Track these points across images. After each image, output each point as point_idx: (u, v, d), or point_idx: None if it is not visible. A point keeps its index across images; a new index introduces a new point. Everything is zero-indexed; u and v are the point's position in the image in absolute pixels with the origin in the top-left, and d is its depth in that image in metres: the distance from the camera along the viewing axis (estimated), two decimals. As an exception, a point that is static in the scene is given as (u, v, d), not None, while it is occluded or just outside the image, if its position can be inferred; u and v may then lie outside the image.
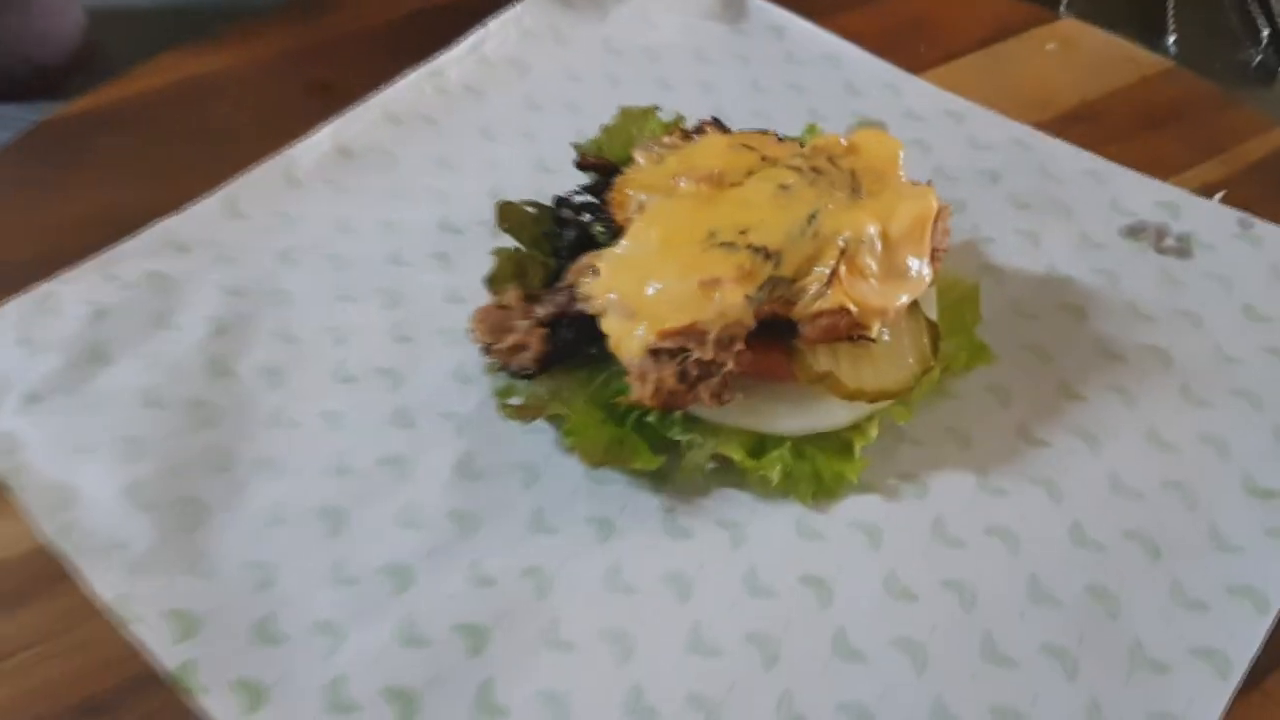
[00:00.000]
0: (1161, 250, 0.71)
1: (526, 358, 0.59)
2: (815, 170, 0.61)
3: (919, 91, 0.81)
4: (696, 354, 0.55)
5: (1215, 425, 0.62)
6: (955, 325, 0.64)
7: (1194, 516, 0.58)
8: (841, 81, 0.82)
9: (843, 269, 0.57)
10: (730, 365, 0.56)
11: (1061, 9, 0.91)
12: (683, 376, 0.56)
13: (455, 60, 0.81)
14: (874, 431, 0.59)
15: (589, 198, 0.64)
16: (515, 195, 0.65)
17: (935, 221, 0.60)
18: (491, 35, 0.82)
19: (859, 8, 0.89)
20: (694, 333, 0.56)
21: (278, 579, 0.56)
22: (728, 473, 0.60)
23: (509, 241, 0.64)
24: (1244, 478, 0.60)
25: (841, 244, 0.57)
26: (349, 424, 0.62)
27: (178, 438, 0.61)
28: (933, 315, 0.63)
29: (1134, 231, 0.72)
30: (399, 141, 0.76)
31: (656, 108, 0.71)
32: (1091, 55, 0.85)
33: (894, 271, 0.58)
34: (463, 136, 0.77)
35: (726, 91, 0.81)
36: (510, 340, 0.59)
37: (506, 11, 0.84)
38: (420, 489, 0.59)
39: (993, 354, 0.64)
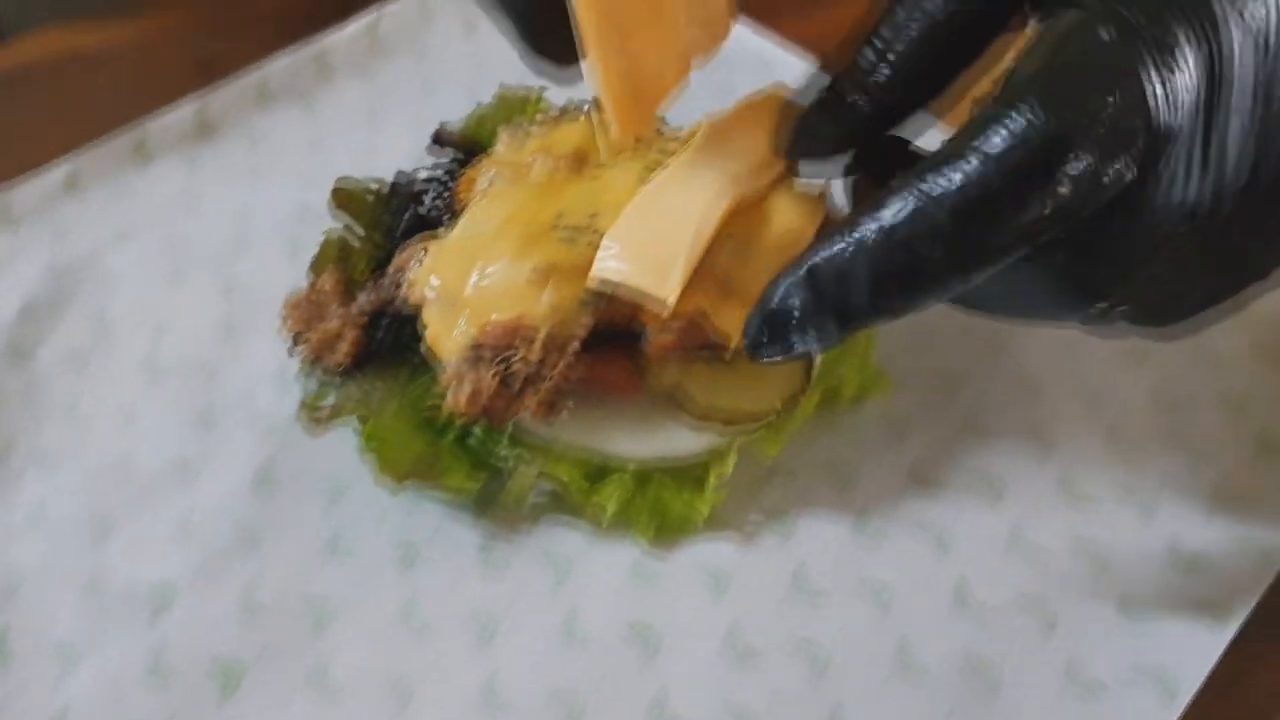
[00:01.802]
0: (1108, 279, 0.62)
1: (339, 353, 0.51)
2: (691, 157, 0.53)
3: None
4: (523, 355, 0.48)
5: (1144, 478, 0.53)
6: (846, 348, 0.56)
7: (1104, 581, 0.49)
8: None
9: (704, 269, 0.49)
10: (562, 371, 0.48)
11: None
12: (506, 382, 0.48)
13: (346, 38, 0.74)
14: (732, 459, 0.51)
15: (435, 174, 0.56)
16: (392, 183, 0.59)
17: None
18: (389, 14, 0.75)
19: (811, 13, 0.81)
20: (520, 330, 0.48)
21: (22, 588, 0.49)
22: (560, 502, 0.51)
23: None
24: (1169, 542, 0.51)
25: (703, 240, 0.49)
26: (144, 420, 0.55)
27: (-48, 425, 0.54)
28: (821, 334, 0.55)
29: (1078, 256, 0.63)
30: (270, 119, 0.69)
31: (543, 89, 0.64)
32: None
33: (766, 280, 0.50)
34: (342, 118, 0.70)
35: (643, 87, 0.73)
36: (321, 331, 0.52)
37: (409, -10, 0.77)
38: (205, 497, 0.52)
39: (891, 383, 0.56)
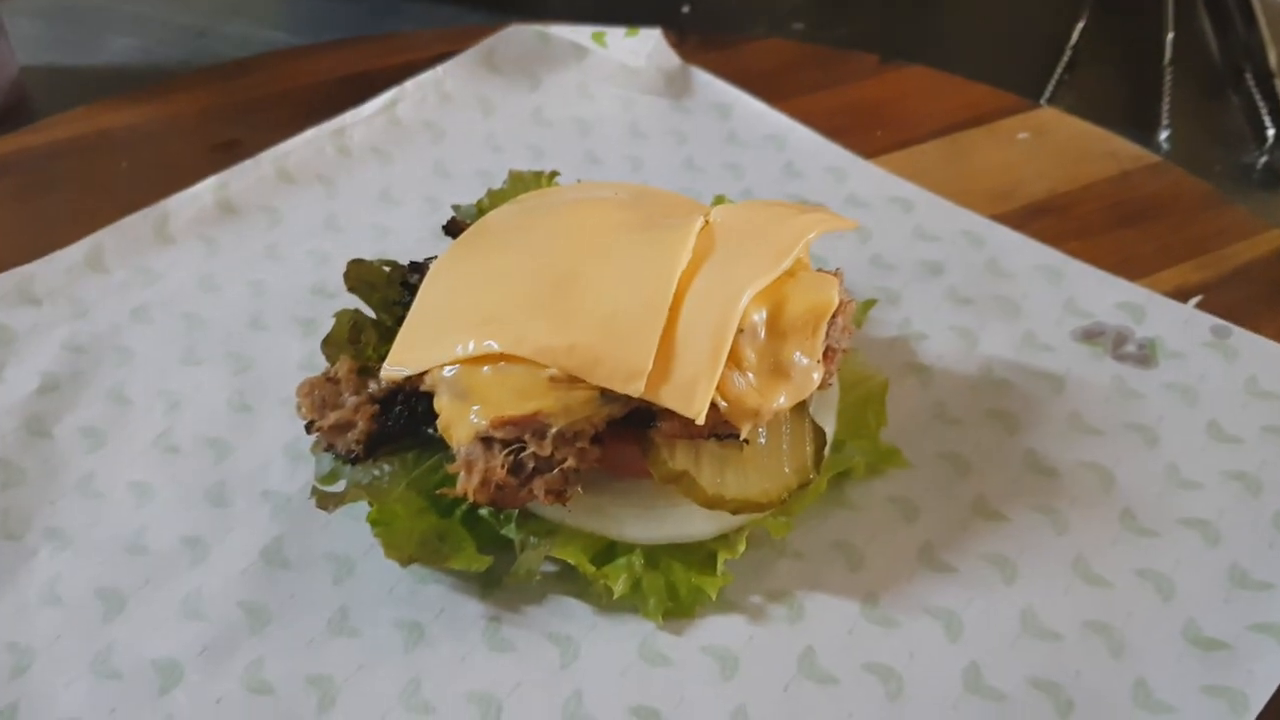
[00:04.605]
0: (1119, 357, 0.62)
1: (352, 438, 0.52)
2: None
3: (866, 176, 0.74)
4: (533, 449, 0.48)
5: (1159, 559, 0.53)
6: (858, 427, 0.56)
7: (1119, 666, 0.49)
8: (782, 163, 0.75)
9: (716, 357, 0.49)
10: (571, 462, 0.48)
11: (1044, 99, 0.84)
12: (516, 469, 0.48)
13: (363, 120, 0.75)
14: (742, 546, 0.51)
15: (446, 261, 0.57)
16: (404, 262, 0.59)
17: (835, 317, 0.52)
18: (407, 97, 0.77)
19: (819, 90, 0.82)
20: (533, 424, 0.48)
21: (33, 665, 0.49)
22: (569, 580, 0.51)
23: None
24: (1186, 624, 0.50)
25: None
26: (157, 497, 0.55)
27: (-30, 500, 0.55)
28: (832, 418, 0.55)
29: (1090, 335, 0.63)
30: (287, 199, 0.71)
31: (554, 173, 0.65)
32: (1066, 146, 0.77)
33: (777, 368, 0.50)
34: (358, 198, 0.71)
35: (657, 168, 0.75)
36: (334, 417, 0.52)
37: (426, 74, 0.79)
38: (215, 574, 0.52)
39: (904, 460, 0.56)
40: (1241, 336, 0.63)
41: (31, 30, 0.91)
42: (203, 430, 0.58)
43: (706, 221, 0.53)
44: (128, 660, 0.49)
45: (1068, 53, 0.89)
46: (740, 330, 0.49)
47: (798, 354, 0.50)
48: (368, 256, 0.61)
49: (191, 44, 0.91)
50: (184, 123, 0.78)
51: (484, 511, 0.51)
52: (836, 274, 0.54)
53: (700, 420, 0.47)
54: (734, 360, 0.49)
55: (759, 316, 0.50)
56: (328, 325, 0.58)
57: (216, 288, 0.65)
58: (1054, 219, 0.72)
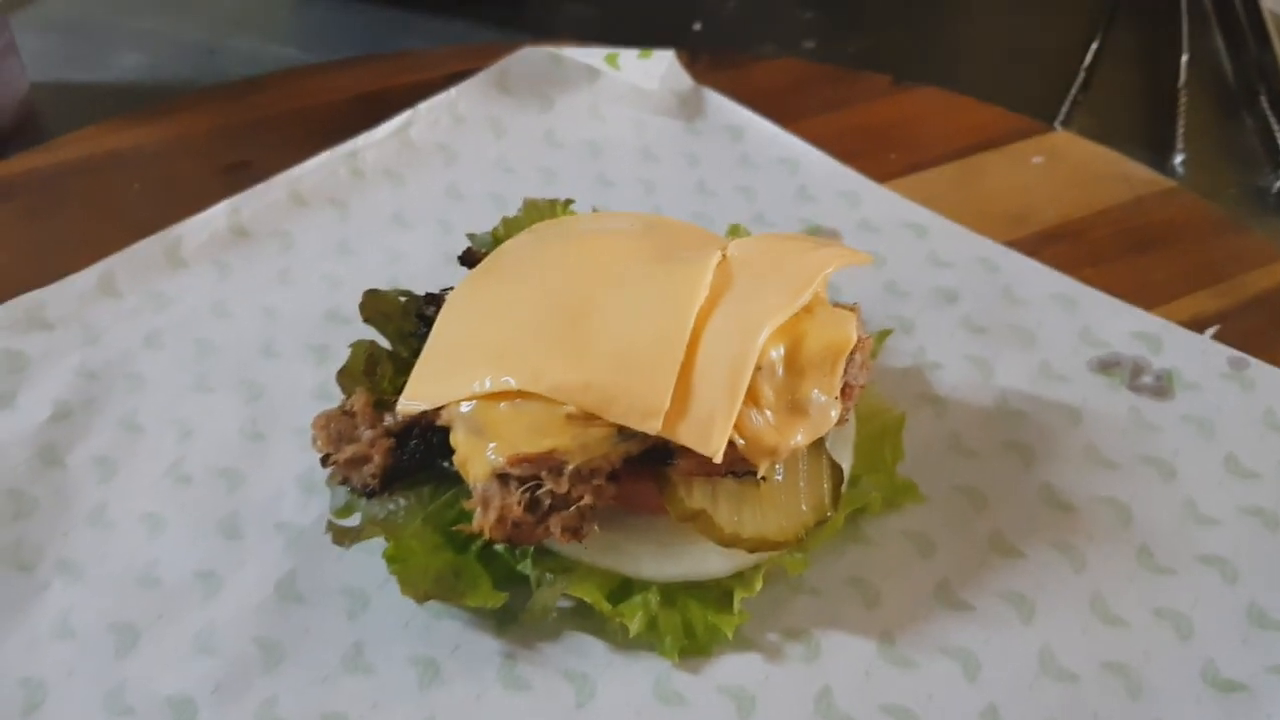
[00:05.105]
0: (1136, 388, 0.62)
1: (367, 472, 0.51)
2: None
3: (879, 200, 0.73)
4: (550, 486, 0.47)
5: (1177, 598, 0.52)
6: (874, 461, 0.56)
7: (1138, 708, 0.48)
8: (795, 187, 0.75)
9: (734, 394, 0.49)
10: (588, 499, 0.47)
11: (1057, 122, 0.83)
12: (533, 506, 0.47)
13: (376, 143, 0.75)
14: (758, 584, 0.50)
15: (461, 292, 0.57)
16: (418, 288, 0.59)
17: (852, 354, 0.52)
18: (419, 119, 0.77)
19: (832, 112, 0.82)
20: (550, 461, 0.47)
21: (46, 702, 0.48)
22: (585, 617, 0.51)
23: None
24: (1205, 665, 0.50)
25: (734, 365, 0.49)
26: (170, 529, 0.55)
27: (-18, 531, 0.54)
28: (849, 452, 0.55)
29: (1106, 365, 0.63)
30: (300, 223, 0.70)
31: (569, 201, 0.64)
32: (1081, 170, 0.77)
33: (795, 406, 0.50)
34: (371, 222, 0.71)
35: (669, 192, 0.74)
36: (350, 451, 0.52)
37: (438, 95, 0.79)
38: (228, 609, 0.52)
39: (920, 494, 0.55)
40: (1259, 368, 0.62)
41: (41, 45, 0.91)
42: (215, 460, 0.58)
43: (723, 255, 0.53)
44: (141, 698, 0.48)
45: (1081, 74, 0.88)
46: (758, 367, 0.49)
47: (815, 391, 0.50)
48: (380, 281, 0.61)
49: (201, 61, 0.91)
50: (195, 143, 0.78)
51: (500, 548, 0.51)
52: (854, 309, 0.53)
53: (718, 459, 0.47)
54: (751, 397, 0.49)
55: (777, 353, 0.50)
56: (341, 352, 0.57)
57: (228, 313, 0.65)
58: (1068, 245, 0.71)
